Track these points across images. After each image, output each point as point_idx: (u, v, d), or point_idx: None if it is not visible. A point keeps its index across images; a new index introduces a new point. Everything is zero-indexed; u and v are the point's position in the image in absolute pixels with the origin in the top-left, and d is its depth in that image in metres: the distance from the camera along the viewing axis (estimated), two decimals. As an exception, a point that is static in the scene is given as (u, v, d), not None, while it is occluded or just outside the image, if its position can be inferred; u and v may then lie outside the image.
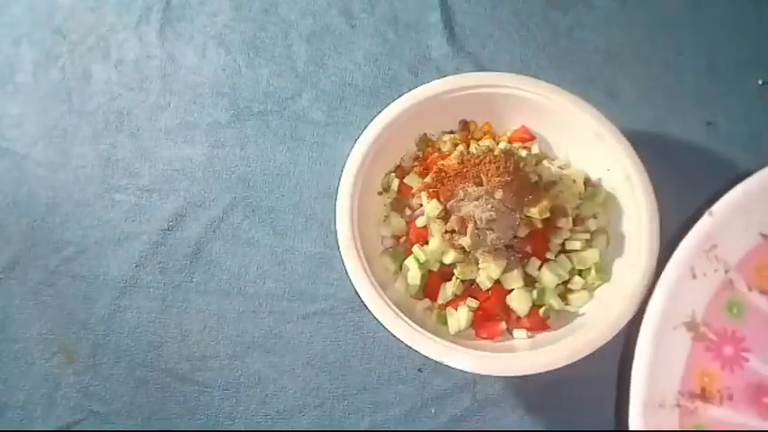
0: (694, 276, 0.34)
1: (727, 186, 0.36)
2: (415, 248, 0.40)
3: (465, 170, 0.39)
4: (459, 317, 0.39)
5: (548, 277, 0.39)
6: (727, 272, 0.34)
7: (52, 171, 0.50)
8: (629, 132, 0.41)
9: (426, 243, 0.40)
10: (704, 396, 0.33)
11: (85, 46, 0.54)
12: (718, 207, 0.35)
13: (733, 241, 0.35)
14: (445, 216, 0.39)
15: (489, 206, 0.37)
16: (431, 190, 0.40)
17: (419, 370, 0.44)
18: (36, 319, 0.46)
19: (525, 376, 0.36)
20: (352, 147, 0.41)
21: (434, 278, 0.40)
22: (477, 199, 0.37)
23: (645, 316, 0.34)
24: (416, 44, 0.52)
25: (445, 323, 0.40)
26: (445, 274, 0.40)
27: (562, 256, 0.40)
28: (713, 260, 0.34)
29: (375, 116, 0.42)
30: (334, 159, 0.49)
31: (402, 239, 0.42)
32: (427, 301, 0.41)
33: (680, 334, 0.34)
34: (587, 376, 0.41)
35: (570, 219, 0.40)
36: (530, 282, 0.40)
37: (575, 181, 0.42)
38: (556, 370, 0.36)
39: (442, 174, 0.40)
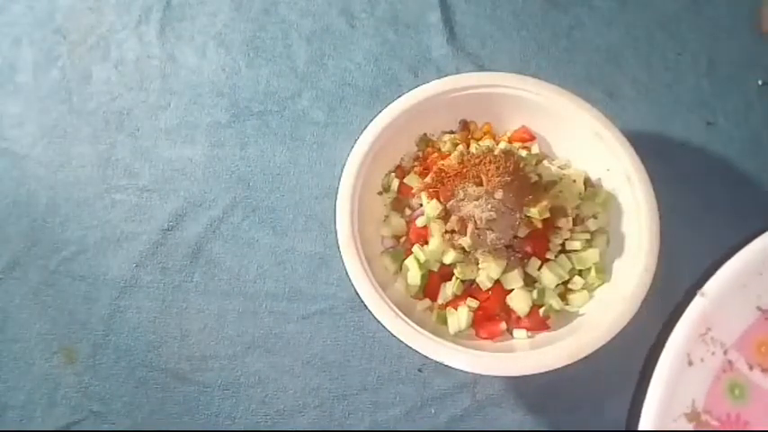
0: (691, 363, 0.33)
1: (717, 256, 0.35)
2: (415, 248, 0.40)
3: (465, 170, 0.39)
4: (460, 317, 0.39)
5: (548, 277, 0.39)
6: (725, 353, 0.33)
7: (52, 171, 0.50)
8: (629, 132, 0.41)
9: (426, 243, 0.40)
10: None
11: (85, 46, 0.54)
12: (710, 286, 0.34)
13: (729, 320, 0.33)
14: (445, 216, 0.39)
15: (489, 206, 0.37)
16: (431, 190, 0.40)
17: (419, 370, 0.44)
18: (36, 319, 0.46)
19: (525, 376, 0.36)
20: (352, 147, 0.41)
21: (434, 278, 0.40)
22: (477, 199, 0.37)
23: (643, 408, 0.33)
24: (416, 44, 0.52)
25: (445, 323, 0.40)
26: (445, 274, 0.40)
27: (562, 256, 0.40)
28: (710, 343, 0.33)
29: (375, 116, 0.42)
30: (334, 159, 0.49)
31: (402, 239, 0.42)
32: (427, 301, 0.41)
33: (681, 425, 0.33)
34: (587, 376, 0.41)
35: (570, 219, 0.40)
36: (530, 282, 0.40)
37: (575, 181, 0.42)
38: (556, 370, 0.36)
39: (442, 174, 0.40)
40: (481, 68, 0.51)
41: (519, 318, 0.39)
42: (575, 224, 0.41)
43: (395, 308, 0.37)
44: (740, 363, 0.33)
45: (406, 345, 0.36)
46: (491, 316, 0.40)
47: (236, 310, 0.46)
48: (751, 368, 0.33)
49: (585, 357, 0.36)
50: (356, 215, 0.40)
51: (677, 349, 0.33)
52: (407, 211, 0.42)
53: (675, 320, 0.34)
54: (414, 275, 0.40)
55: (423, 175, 0.42)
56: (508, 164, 0.38)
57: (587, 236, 0.41)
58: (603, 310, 0.38)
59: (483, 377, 0.42)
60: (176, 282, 0.46)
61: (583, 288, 0.40)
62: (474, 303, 0.39)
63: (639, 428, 0.33)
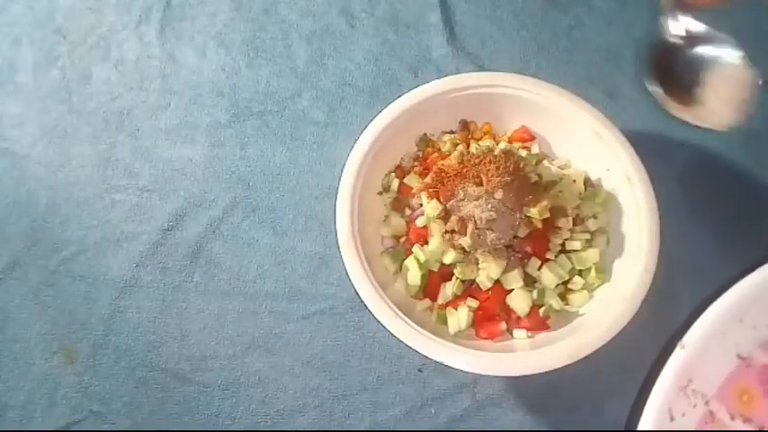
0: (672, 419, 0.33)
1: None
2: (415, 248, 0.40)
3: (465, 170, 0.39)
4: (460, 317, 0.39)
5: (548, 277, 0.39)
6: (707, 403, 0.33)
7: (52, 171, 0.50)
8: (629, 132, 0.41)
9: (426, 243, 0.40)
10: None
11: (85, 46, 0.54)
12: (689, 338, 0.34)
13: (710, 369, 0.33)
14: (445, 216, 0.39)
15: (489, 206, 0.37)
16: (431, 190, 0.40)
17: (419, 370, 0.44)
18: (36, 319, 0.46)
19: (525, 376, 0.36)
20: (352, 147, 0.41)
21: (434, 278, 0.40)
22: (477, 199, 0.37)
23: None
24: (416, 44, 0.52)
25: (445, 323, 0.40)
26: (445, 274, 0.40)
27: (562, 256, 0.40)
28: (691, 396, 0.33)
29: (375, 116, 0.42)
30: (334, 159, 0.49)
31: (402, 239, 0.42)
32: (427, 301, 0.41)
33: None
34: (587, 376, 0.41)
35: (570, 219, 0.40)
36: (530, 282, 0.40)
37: (575, 181, 0.42)
38: (556, 370, 0.36)
39: (442, 174, 0.40)
40: (481, 68, 0.51)
41: (519, 318, 0.39)
42: (575, 224, 0.41)
43: (395, 308, 0.37)
44: (722, 413, 0.33)
45: (406, 345, 0.36)
46: (491, 316, 0.40)
47: (236, 310, 0.46)
48: (733, 418, 0.33)
49: (585, 357, 0.36)
50: (356, 215, 0.40)
51: (659, 406, 0.33)
52: (407, 211, 0.42)
53: (657, 372, 0.34)
54: (414, 275, 0.40)
55: (423, 175, 0.42)
56: (508, 164, 0.38)
57: (587, 236, 0.41)
58: (603, 310, 0.38)
59: (483, 377, 0.42)
60: (176, 282, 0.46)
61: (583, 288, 0.40)
62: (474, 303, 0.39)
63: None
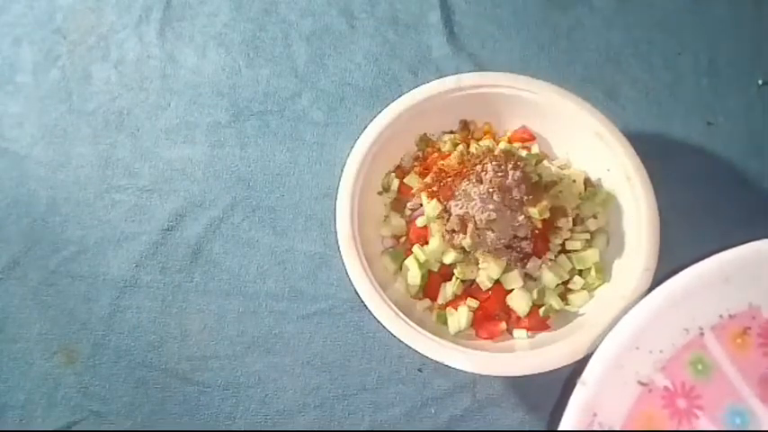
0: None
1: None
2: (415, 248, 0.40)
3: (465, 170, 0.39)
4: (460, 317, 0.39)
5: (548, 277, 0.39)
6: None
7: (52, 171, 0.50)
8: (629, 132, 0.41)
9: (426, 243, 0.40)
10: None
11: (85, 46, 0.54)
12: (588, 373, 0.34)
13: (613, 400, 0.33)
14: (445, 216, 0.39)
15: (489, 206, 0.37)
16: (431, 190, 0.40)
17: (419, 370, 0.44)
18: (36, 319, 0.46)
19: (525, 376, 0.36)
20: (352, 147, 0.41)
21: (434, 278, 0.40)
22: (477, 199, 0.37)
23: None
24: (416, 44, 0.52)
25: (445, 323, 0.40)
26: (445, 274, 0.40)
27: (562, 256, 0.40)
28: (598, 429, 0.33)
29: (375, 116, 0.42)
30: (334, 159, 0.49)
31: (402, 239, 0.42)
32: (427, 301, 0.41)
33: None
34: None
35: (570, 219, 0.40)
36: (530, 282, 0.40)
37: (575, 181, 0.42)
38: (556, 370, 0.36)
39: (442, 174, 0.40)
40: (481, 68, 0.51)
41: (519, 318, 0.39)
42: (575, 224, 0.41)
43: (395, 308, 0.37)
44: None
45: (406, 345, 0.37)
46: (491, 316, 0.40)
47: (236, 310, 0.46)
48: None
49: (585, 357, 0.36)
50: (356, 215, 0.40)
51: None
52: (407, 211, 0.42)
53: (561, 410, 0.34)
54: (414, 275, 0.40)
55: (423, 175, 0.42)
56: (508, 164, 0.38)
57: (587, 236, 0.41)
58: (603, 310, 0.38)
59: (483, 377, 0.42)
60: (176, 282, 0.46)
61: (583, 288, 0.40)
62: (474, 303, 0.39)
63: None
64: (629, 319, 0.34)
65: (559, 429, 0.33)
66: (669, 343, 0.34)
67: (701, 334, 0.34)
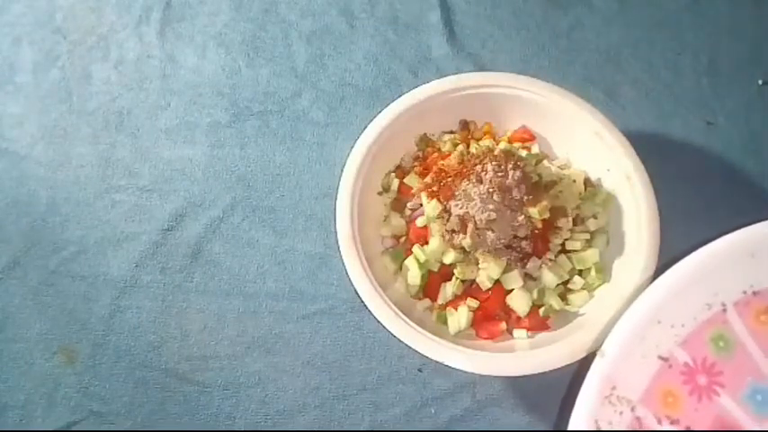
0: (599, 429, 0.32)
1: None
2: (415, 248, 0.40)
3: (465, 170, 0.39)
4: (460, 317, 0.39)
5: (548, 277, 0.39)
6: (633, 409, 0.32)
7: (52, 171, 0.50)
8: (629, 132, 0.41)
9: (426, 243, 0.40)
10: None
11: (85, 46, 0.54)
12: (608, 345, 0.33)
13: (632, 374, 0.33)
14: (445, 216, 0.39)
15: (489, 206, 0.37)
16: (431, 190, 0.40)
17: (419, 370, 0.44)
18: (36, 319, 0.46)
19: (525, 376, 0.36)
20: (352, 147, 0.41)
21: (434, 278, 0.40)
22: (476, 199, 0.37)
23: None
24: (416, 44, 0.52)
25: (445, 323, 0.40)
26: (445, 274, 0.40)
27: (562, 256, 0.40)
28: (616, 403, 0.32)
29: (375, 116, 0.42)
30: (334, 159, 0.49)
31: (402, 239, 0.42)
32: (427, 301, 0.41)
33: None
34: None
35: (570, 219, 0.40)
36: (530, 282, 0.40)
37: (575, 181, 0.42)
38: (556, 370, 0.36)
39: (442, 174, 0.40)
40: (481, 68, 0.51)
41: (519, 318, 0.39)
42: (575, 224, 0.41)
43: (395, 308, 0.37)
44: (648, 418, 0.32)
45: (406, 345, 0.36)
46: (491, 316, 0.40)
47: (236, 310, 0.46)
48: (660, 421, 0.32)
49: (585, 357, 0.36)
50: (356, 215, 0.40)
51: (585, 416, 0.32)
52: (407, 211, 0.42)
53: (578, 384, 0.33)
54: (414, 275, 0.40)
55: (423, 175, 0.42)
56: (508, 164, 0.38)
57: (587, 236, 0.41)
58: (603, 310, 0.38)
59: (483, 377, 0.42)
60: (176, 282, 0.46)
61: (583, 288, 0.40)
62: (474, 303, 0.39)
63: None
64: (650, 293, 0.34)
65: (577, 402, 0.33)
66: (691, 318, 0.33)
67: (724, 310, 0.33)
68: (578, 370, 0.37)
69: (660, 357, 0.33)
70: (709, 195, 0.47)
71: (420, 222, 0.40)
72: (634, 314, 0.33)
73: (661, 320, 0.33)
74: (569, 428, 0.33)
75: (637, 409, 0.32)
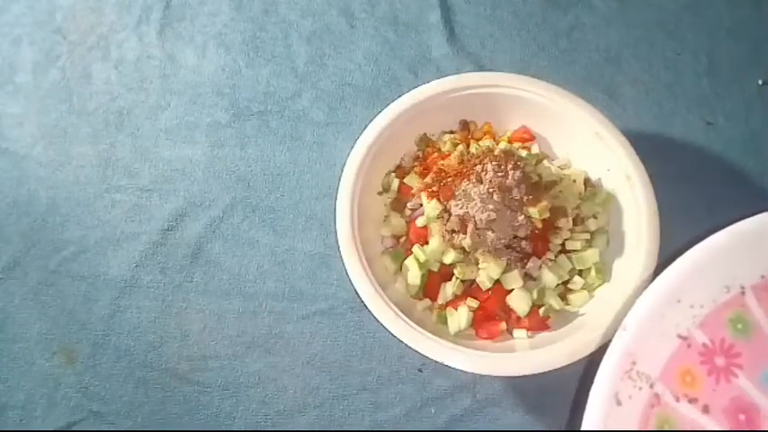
0: (619, 403, 0.32)
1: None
2: (415, 248, 0.40)
3: (465, 170, 0.39)
4: (460, 317, 0.39)
5: (548, 277, 0.39)
6: (651, 386, 0.32)
7: (52, 171, 0.50)
8: (629, 132, 0.41)
9: (426, 243, 0.40)
10: None
11: (85, 46, 0.54)
12: (630, 319, 0.33)
13: (652, 351, 0.33)
14: (445, 216, 0.39)
15: (489, 206, 0.37)
16: (431, 190, 0.40)
17: (419, 370, 0.44)
18: (36, 319, 0.46)
19: (525, 376, 0.36)
20: (352, 147, 0.41)
21: (434, 278, 0.40)
22: (476, 199, 0.37)
23: None
24: (416, 44, 0.52)
25: (445, 323, 0.40)
26: (445, 274, 0.40)
27: (562, 256, 0.40)
28: (636, 378, 0.32)
29: (375, 116, 0.42)
30: (334, 159, 0.49)
31: (402, 239, 0.42)
32: (427, 301, 0.41)
33: None
34: (587, 376, 0.41)
35: (570, 219, 0.40)
36: (530, 282, 0.40)
37: (575, 181, 0.42)
38: (556, 370, 0.36)
39: (442, 174, 0.40)
40: (481, 68, 0.51)
41: (519, 318, 0.39)
42: (575, 224, 0.41)
43: (395, 308, 0.37)
44: (667, 396, 0.32)
45: (406, 345, 0.36)
46: (491, 316, 0.40)
47: (236, 310, 0.46)
48: (678, 399, 0.32)
49: (585, 357, 0.36)
50: (356, 215, 0.40)
51: (605, 390, 0.33)
52: (407, 211, 0.42)
53: (600, 356, 0.34)
54: (414, 275, 0.40)
55: (423, 175, 0.42)
56: (508, 164, 0.38)
57: (587, 236, 0.41)
58: (603, 310, 0.38)
59: (483, 377, 0.42)
60: (176, 282, 0.46)
61: (583, 288, 0.40)
62: (474, 303, 0.39)
63: None
64: (671, 272, 0.34)
65: (597, 376, 0.33)
66: (710, 299, 0.33)
67: (742, 293, 0.33)
68: (584, 373, 0.37)
69: (679, 336, 0.33)
70: (710, 195, 0.47)
71: (420, 222, 0.40)
72: (654, 291, 0.34)
73: (681, 300, 0.33)
74: (590, 401, 0.33)
75: (656, 385, 0.33)
